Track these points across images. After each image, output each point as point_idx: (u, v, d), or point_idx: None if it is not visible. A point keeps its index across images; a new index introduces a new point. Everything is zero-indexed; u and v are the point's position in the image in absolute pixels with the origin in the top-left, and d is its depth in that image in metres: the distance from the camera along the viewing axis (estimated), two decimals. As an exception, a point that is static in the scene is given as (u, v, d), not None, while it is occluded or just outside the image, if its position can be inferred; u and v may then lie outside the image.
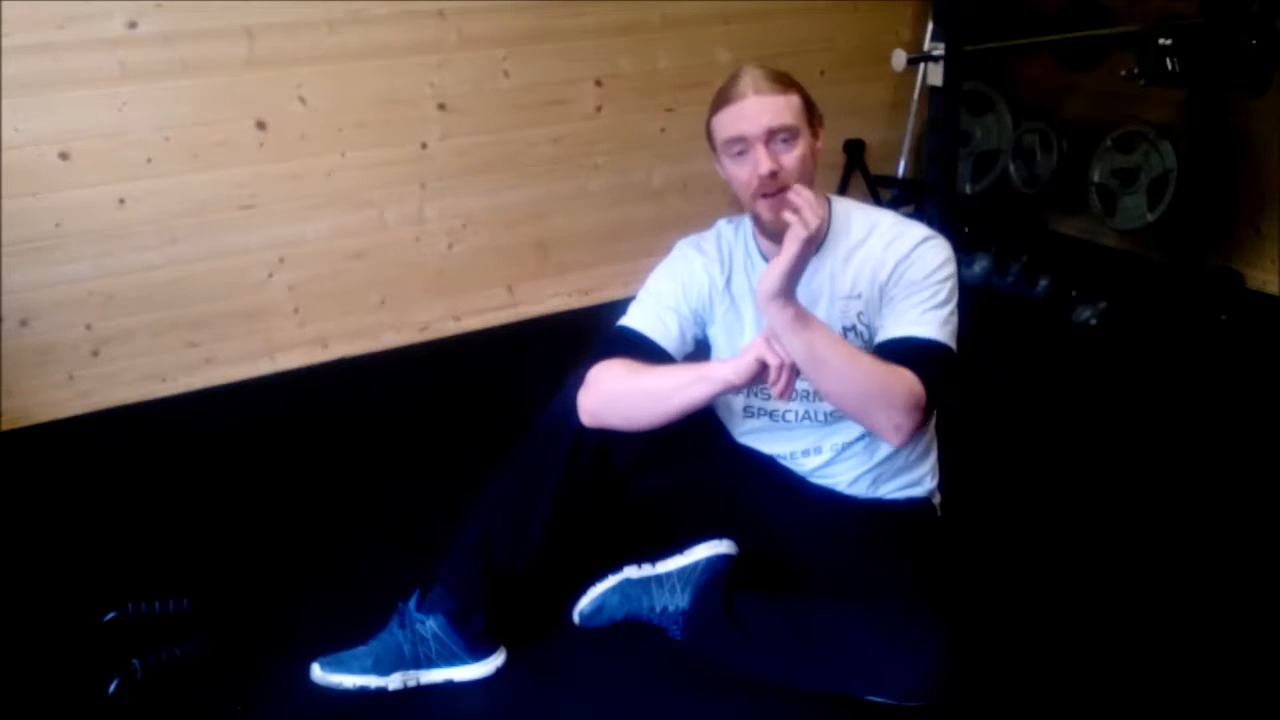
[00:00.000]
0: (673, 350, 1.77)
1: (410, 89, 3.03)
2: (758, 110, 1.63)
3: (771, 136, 1.64)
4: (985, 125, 3.81)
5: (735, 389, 1.63)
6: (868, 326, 1.73)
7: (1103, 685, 1.77)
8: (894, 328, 1.67)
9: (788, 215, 1.55)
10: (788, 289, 1.53)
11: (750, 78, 1.66)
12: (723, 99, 1.68)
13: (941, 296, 1.67)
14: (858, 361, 1.58)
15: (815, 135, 1.71)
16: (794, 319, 1.53)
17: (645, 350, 1.75)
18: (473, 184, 3.20)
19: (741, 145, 1.65)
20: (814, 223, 1.52)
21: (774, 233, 1.71)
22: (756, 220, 1.73)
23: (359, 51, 2.92)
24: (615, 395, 1.69)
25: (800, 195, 1.54)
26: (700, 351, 1.86)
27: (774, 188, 1.64)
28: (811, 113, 1.70)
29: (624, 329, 1.79)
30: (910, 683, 1.62)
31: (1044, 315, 3.23)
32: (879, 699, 1.66)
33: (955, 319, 1.70)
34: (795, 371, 1.55)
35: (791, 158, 1.65)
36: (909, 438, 1.62)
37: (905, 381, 1.58)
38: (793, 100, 1.66)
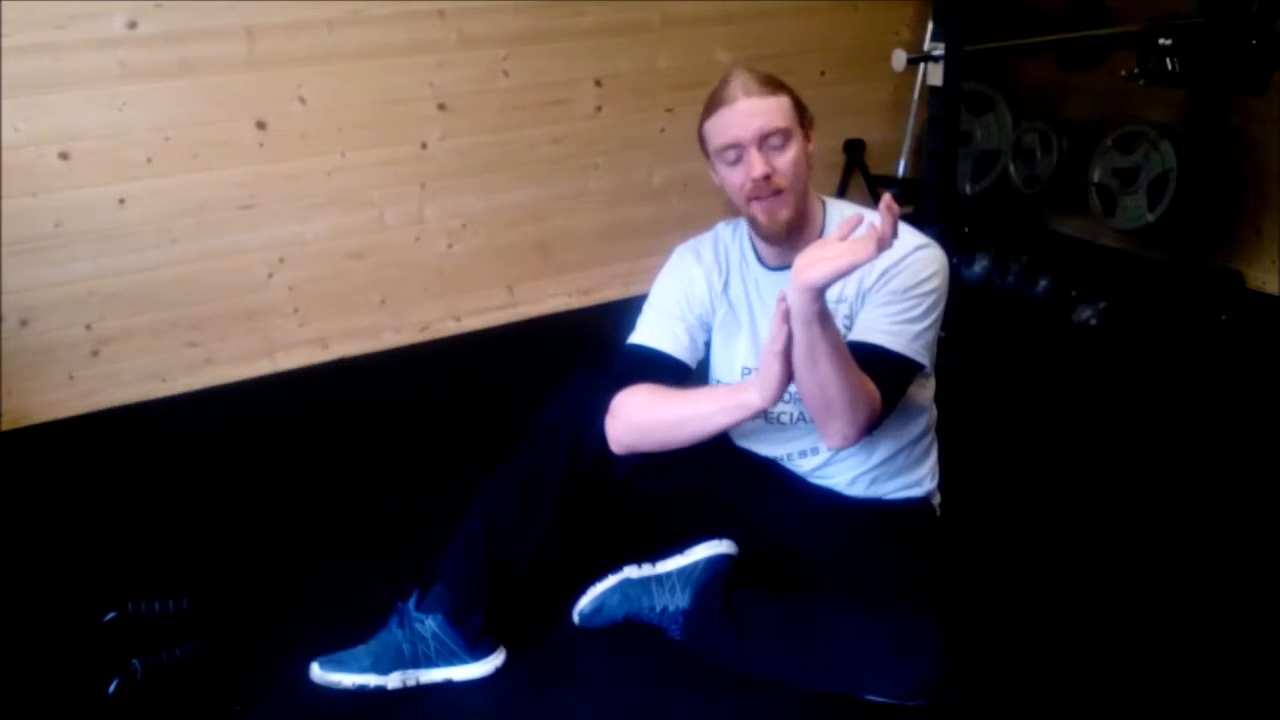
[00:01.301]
0: (688, 359, 1.79)
1: (410, 89, 3.03)
2: (749, 114, 1.64)
3: (764, 140, 1.64)
4: (985, 125, 3.81)
5: (766, 411, 1.63)
6: (850, 330, 1.72)
7: (1103, 684, 1.77)
8: (865, 332, 1.67)
9: (882, 216, 1.43)
10: (829, 286, 1.47)
11: (740, 81, 1.66)
12: (714, 104, 1.68)
13: (919, 310, 1.67)
14: (845, 375, 1.55)
15: (807, 137, 1.71)
16: (816, 315, 1.48)
17: (662, 367, 1.77)
18: (473, 184, 3.20)
19: (735, 150, 1.66)
20: (892, 243, 1.45)
21: (769, 235, 1.71)
22: (752, 223, 1.73)
23: (359, 51, 2.92)
24: (645, 427, 1.71)
25: (894, 209, 1.43)
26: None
27: (768, 191, 1.65)
28: (802, 114, 1.70)
29: (638, 348, 1.80)
30: (910, 682, 1.62)
31: (1044, 315, 3.23)
32: (878, 699, 1.66)
33: (932, 332, 1.70)
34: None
35: (785, 160, 1.65)
36: (848, 447, 1.65)
37: (871, 400, 1.59)
38: (783, 102, 1.66)
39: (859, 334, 1.68)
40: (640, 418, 1.71)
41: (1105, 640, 1.87)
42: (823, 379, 1.54)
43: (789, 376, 1.54)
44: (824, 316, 1.49)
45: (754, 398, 1.59)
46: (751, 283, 1.80)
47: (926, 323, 1.68)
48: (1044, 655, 1.84)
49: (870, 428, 1.62)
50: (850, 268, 1.43)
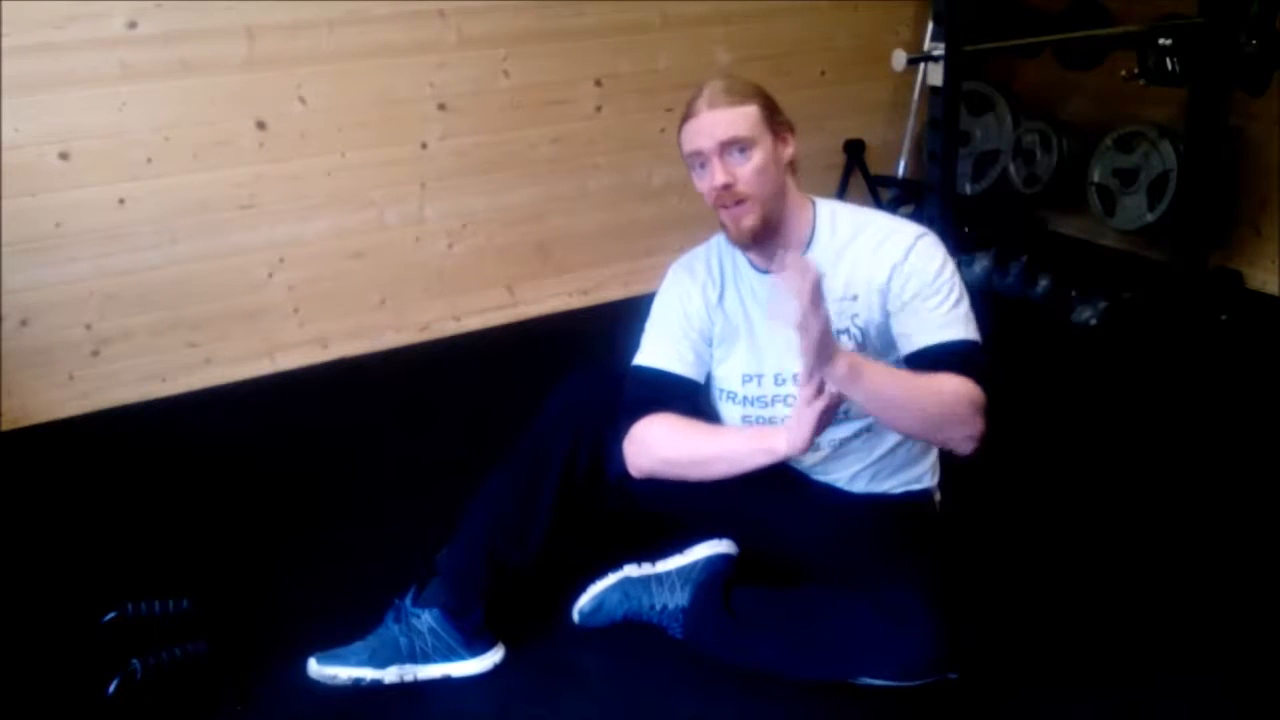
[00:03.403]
0: (697, 375, 1.81)
1: (410, 89, 3.03)
2: (711, 124, 1.67)
3: (725, 149, 1.66)
4: (985, 125, 3.81)
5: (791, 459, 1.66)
6: (861, 330, 1.73)
7: (1099, 667, 1.77)
8: (924, 336, 1.68)
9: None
10: (826, 361, 1.47)
11: (708, 93, 1.69)
12: (685, 114, 1.72)
13: (955, 294, 1.70)
14: (917, 389, 1.59)
15: (782, 141, 1.72)
16: (848, 374, 1.50)
17: (674, 387, 1.78)
18: (473, 184, 3.20)
19: (700, 158, 1.69)
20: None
21: (737, 242, 1.75)
22: (723, 229, 1.75)
23: (359, 51, 2.92)
24: (668, 460, 1.73)
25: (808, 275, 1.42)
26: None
27: (730, 199, 1.67)
28: (774, 120, 1.71)
29: (646, 370, 1.81)
30: (907, 661, 1.63)
31: (1044, 315, 3.23)
32: (877, 681, 1.67)
33: (970, 307, 1.72)
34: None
35: (748, 169, 1.67)
36: (982, 442, 1.65)
37: (964, 392, 1.60)
38: (749, 111, 1.68)
39: (920, 339, 1.68)
40: (663, 452, 1.73)
41: (1103, 628, 1.88)
42: (905, 409, 1.59)
43: (820, 429, 1.56)
44: (856, 370, 1.50)
45: (780, 445, 1.61)
46: (746, 288, 1.81)
47: (965, 301, 1.71)
48: (1041, 637, 1.85)
49: (985, 415, 1.62)
50: (813, 348, 1.44)
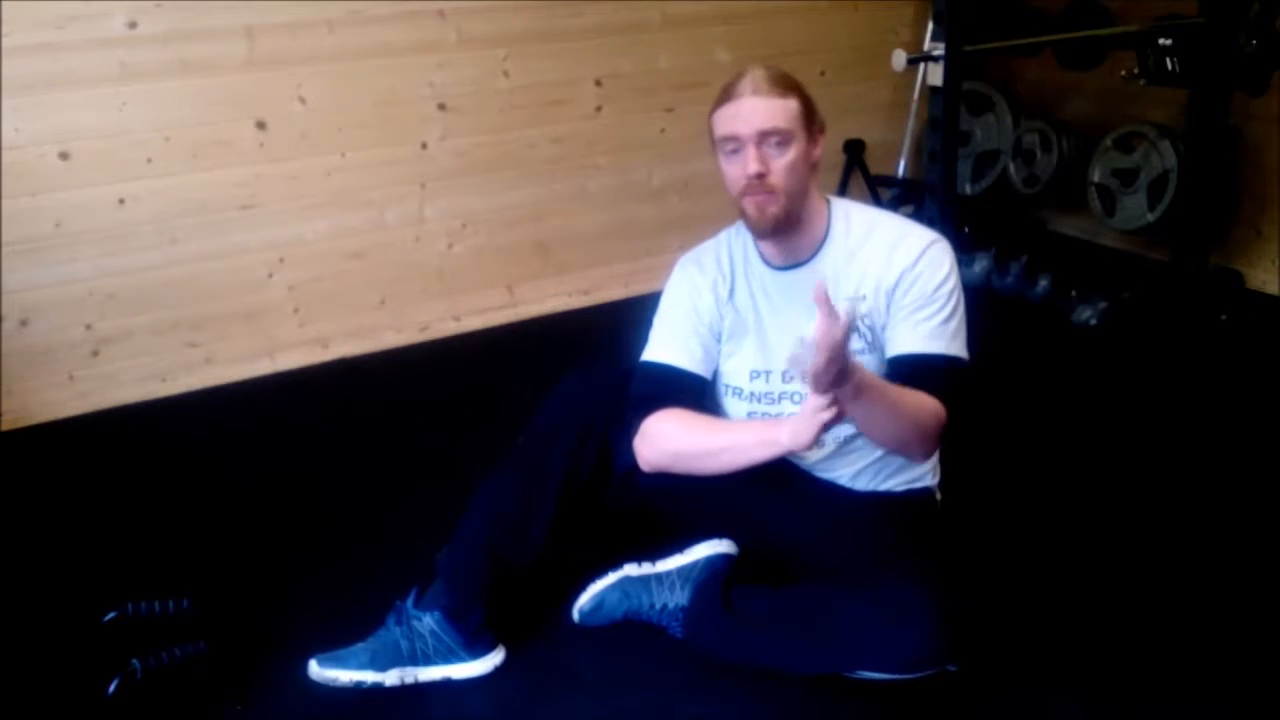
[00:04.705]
0: (705, 372, 1.82)
1: (410, 89, 3.03)
2: (753, 111, 1.65)
3: (763, 139, 1.66)
4: (985, 125, 3.81)
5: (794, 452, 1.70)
6: (870, 329, 1.74)
7: (1098, 660, 1.77)
8: (907, 343, 1.70)
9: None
10: (843, 382, 1.50)
11: (751, 78, 1.68)
12: (724, 95, 1.70)
13: (950, 308, 1.71)
14: (900, 410, 1.63)
15: (814, 142, 1.72)
16: (853, 395, 1.53)
17: (683, 384, 1.79)
18: (473, 184, 3.20)
19: (734, 144, 1.68)
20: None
21: (757, 230, 1.74)
22: (743, 216, 1.74)
23: (359, 51, 2.92)
24: (678, 454, 1.75)
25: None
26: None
27: (760, 189, 1.67)
28: (811, 119, 1.71)
29: (655, 365, 1.81)
30: (908, 653, 1.63)
31: (1044, 315, 3.23)
32: (877, 675, 1.67)
33: (964, 324, 1.74)
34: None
35: (782, 162, 1.67)
36: (932, 454, 1.79)
37: (932, 413, 1.65)
38: (790, 105, 1.67)
39: (903, 345, 1.71)
40: (673, 445, 1.74)
41: (1101, 624, 1.88)
42: (886, 428, 1.66)
43: (819, 437, 1.60)
44: (859, 391, 1.52)
45: (783, 437, 1.64)
46: (757, 284, 1.81)
47: (958, 317, 1.72)
48: (1039, 632, 1.86)
49: (941, 433, 1.69)
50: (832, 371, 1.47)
